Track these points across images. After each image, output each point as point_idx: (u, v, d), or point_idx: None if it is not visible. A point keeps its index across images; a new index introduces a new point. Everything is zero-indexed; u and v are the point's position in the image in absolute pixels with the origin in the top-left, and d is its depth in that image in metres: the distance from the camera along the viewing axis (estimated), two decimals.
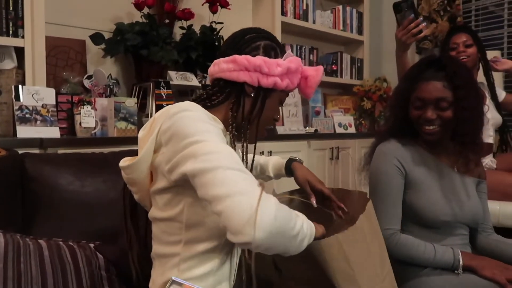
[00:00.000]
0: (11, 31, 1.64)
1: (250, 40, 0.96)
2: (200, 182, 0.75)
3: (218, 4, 2.29)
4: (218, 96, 0.95)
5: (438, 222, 1.26)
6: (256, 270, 1.01)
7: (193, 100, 0.95)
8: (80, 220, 1.26)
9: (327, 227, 0.91)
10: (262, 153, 2.26)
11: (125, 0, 2.18)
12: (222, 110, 0.96)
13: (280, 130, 2.54)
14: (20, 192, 1.24)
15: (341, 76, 3.22)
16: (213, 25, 2.29)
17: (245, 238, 0.69)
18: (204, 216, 0.84)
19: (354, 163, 2.80)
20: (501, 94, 2.32)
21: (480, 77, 2.21)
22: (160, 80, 2.02)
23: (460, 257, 1.19)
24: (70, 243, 1.16)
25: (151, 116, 1.70)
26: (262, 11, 2.76)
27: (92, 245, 1.18)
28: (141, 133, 0.89)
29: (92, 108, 1.78)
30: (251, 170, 1.00)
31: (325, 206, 1.12)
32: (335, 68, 3.19)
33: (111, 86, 2.00)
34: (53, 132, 1.65)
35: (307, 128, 2.80)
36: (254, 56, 0.93)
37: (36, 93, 1.64)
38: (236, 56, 0.93)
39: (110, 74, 2.06)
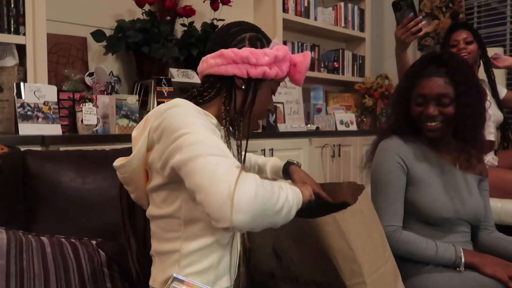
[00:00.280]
0: (12, 29, 1.64)
1: (235, 33, 0.96)
2: (184, 172, 0.76)
3: (219, 1, 2.28)
4: (209, 92, 0.96)
5: (439, 219, 1.26)
6: (256, 262, 1.02)
7: (185, 98, 0.95)
8: (82, 217, 1.26)
9: None
10: (263, 150, 2.26)
11: None
12: (215, 106, 0.96)
13: (282, 127, 2.54)
14: (22, 189, 1.25)
15: (343, 74, 3.21)
16: (214, 22, 2.28)
17: (226, 223, 0.69)
18: (201, 211, 0.84)
19: (355, 161, 2.80)
20: (502, 92, 2.31)
21: (481, 74, 2.20)
22: (161, 77, 2.02)
23: (462, 254, 1.19)
24: (72, 240, 1.16)
25: None
26: (263, 8, 2.75)
27: (94, 242, 1.19)
28: (134, 132, 0.90)
29: (93, 106, 1.78)
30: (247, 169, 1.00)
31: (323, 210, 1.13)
32: (336, 66, 3.18)
33: (113, 84, 2.00)
34: (55, 129, 1.65)
35: (309, 125, 2.80)
36: (240, 48, 0.93)
37: (38, 90, 1.64)
38: (223, 50, 0.93)
39: (111, 72, 2.06)
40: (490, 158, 2.20)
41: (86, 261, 1.12)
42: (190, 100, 0.93)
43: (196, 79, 2.19)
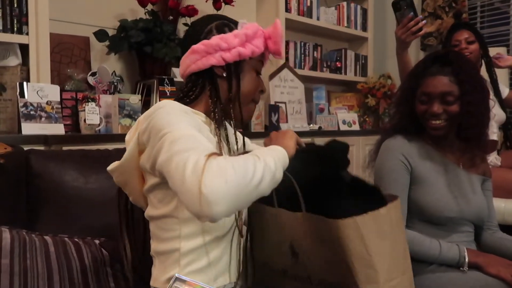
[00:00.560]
0: (15, 28, 1.64)
1: (202, 27, 0.97)
2: (166, 176, 0.76)
3: (221, 0, 2.28)
4: (194, 91, 0.96)
5: (443, 218, 1.25)
6: (266, 258, 1.01)
7: (175, 100, 0.95)
8: (85, 216, 1.27)
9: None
10: None
11: None
12: (202, 102, 0.96)
13: (284, 127, 2.53)
14: (25, 188, 1.25)
15: (345, 73, 3.21)
16: None
17: (207, 218, 0.69)
18: None
19: (358, 160, 2.79)
20: (505, 91, 2.31)
21: (483, 74, 2.19)
22: (164, 77, 2.02)
23: (466, 253, 1.19)
24: (76, 239, 1.16)
25: None
26: (265, 8, 2.75)
27: (97, 241, 1.19)
28: (127, 136, 0.91)
29: (96, 105, 1.78)
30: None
31: None
32: (339, 65, 3.17)
33: (115, 83, 2.00)
34: (58, 129, 1.66)
35: (311, 125, 2.79)
36: (209, 39, 0.93)
37: (41, 90, 1.64)
38: (193, 46, 0.93)
39: (114, 71, 2.06)
40: (493, 158, 2.19)
41: (89, 261, 1.12)
42: (178, 101, 0.93)
43: None
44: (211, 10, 2.31)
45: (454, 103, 1.24)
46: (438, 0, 3.19)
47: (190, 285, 0.81)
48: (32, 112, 1.60)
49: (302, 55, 2.95)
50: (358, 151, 2.83)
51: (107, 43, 2.05)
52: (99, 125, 1.80)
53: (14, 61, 1.67)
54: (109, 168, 0.94)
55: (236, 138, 1.00)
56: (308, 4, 2.91)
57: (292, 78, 2.76)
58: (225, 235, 0.91)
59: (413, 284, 0.98)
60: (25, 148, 1.32)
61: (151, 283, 0.92)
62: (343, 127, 2.93)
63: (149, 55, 2.05)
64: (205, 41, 0.92)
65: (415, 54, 3.24)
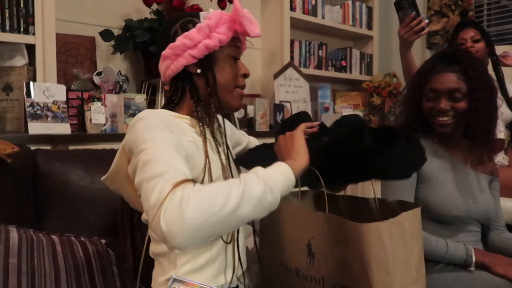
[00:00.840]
0: (22, 28, 1.65)
1: (167, 31, 0.97)
2: (140, 195, 0.77)
3: (226, 0, 2.28)
4: (176, 94, 0.96)
5: (450, 217, 1.24)
6: (282, 256, 1.00)
7: (162, 108, 0.96)
8: (91, 215, 1.27)
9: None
10: None
11: None
12: (186, 105, 0.96)
13: None
14: (32, 187, 1.26)
15: (350, 72, 3.20)
16: None
17: (171, 248, 0.71)
18: None
19: None
20: (511, 90, 2.29)
21: (489, 72, 2.18)
22: None
23: (473, 253, 1.18)
24: (82, 239, 1.17)
25: None
26: (270, 7, 2.74)
27: (103, 241, 1.19)
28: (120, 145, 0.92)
29: (102, 105, 1.79)
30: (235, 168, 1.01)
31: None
32: (344, 64, 3.16)
33: (121, 83, 2.01)
34: (64, 129, 1.66)
35: None
36: (175, 40, 0.93)
37: (47, 89, 1.65)
38: (163, 53, 0.94)
39: (119, 71, 2.07)
40: (501, 158, 2.18)
41: (95, 260, 1.12)
42: (165, 108, 0.94)
43: None
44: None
45: (462, 100, 1.24)
46: None
47: (188, 285, 0.81)
48: (38, 112, 1.61)
49: (307, 54, 2.94)
50: None
51: (112, 43, 2.05)
52: (104, 124, 1.80)
53: (20, 61, 1.68)
54: (102, 178, 0.97)
55: (220, 132, 0.99)
56: (313, 2, 2.90)
57: (297, 77, 2.75)
58: (218, 238, 0.91)
59: None
60: (32, 148, 1.32)
61: (152, 284, 0.93)
62: None
63: (154, 54, 2.05)
64: (171, 44, 0.92)
65: (421, 53, 3.22)
